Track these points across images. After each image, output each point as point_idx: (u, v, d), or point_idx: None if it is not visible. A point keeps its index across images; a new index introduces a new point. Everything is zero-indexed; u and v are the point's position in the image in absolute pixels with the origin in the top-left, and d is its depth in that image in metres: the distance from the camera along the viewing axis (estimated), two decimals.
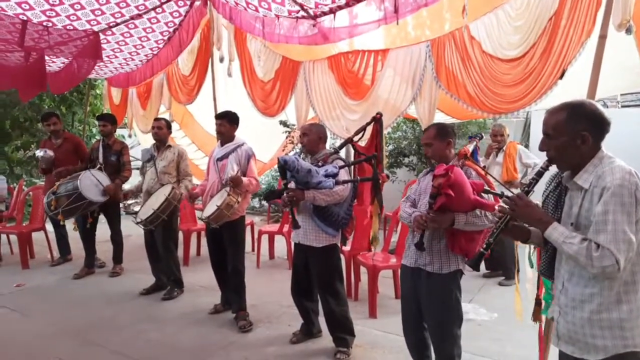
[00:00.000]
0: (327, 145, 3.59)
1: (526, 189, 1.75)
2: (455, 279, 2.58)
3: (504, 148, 5.05)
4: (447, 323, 2.58)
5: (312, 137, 3.37)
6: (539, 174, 1.75)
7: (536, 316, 2.69)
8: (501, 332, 3.65)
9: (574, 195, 1.69)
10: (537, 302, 2.66)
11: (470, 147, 3.67)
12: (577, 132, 1.62)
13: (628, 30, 2.63)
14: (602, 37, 2.58)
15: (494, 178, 3.45)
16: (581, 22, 2.90)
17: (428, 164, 2.70)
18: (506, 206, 1.74)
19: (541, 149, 1.73)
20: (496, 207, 1.82)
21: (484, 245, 1.83)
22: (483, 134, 4.74)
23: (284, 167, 2.98)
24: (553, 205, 1.78)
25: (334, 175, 3.07)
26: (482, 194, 2.42)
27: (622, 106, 7.80)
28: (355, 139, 3.72)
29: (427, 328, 2.69)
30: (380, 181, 3.34)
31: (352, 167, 3.60)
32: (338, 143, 6.04)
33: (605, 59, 2.61)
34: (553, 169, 1.79)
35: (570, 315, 1.66)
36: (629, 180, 1.53)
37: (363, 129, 3.74)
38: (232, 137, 3.99)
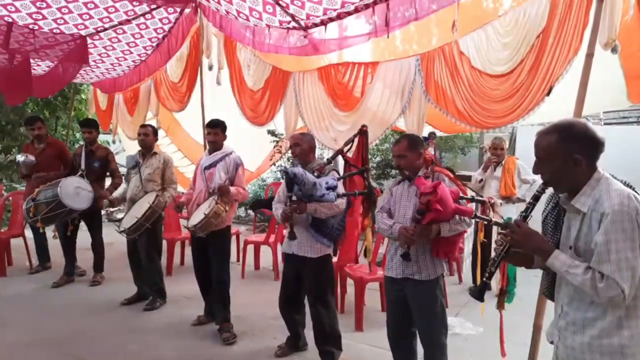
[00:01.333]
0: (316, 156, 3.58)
1: (524, 214, 1.70)
2: (439, 283, 2.70)
3: (503, 162, 5.05)
4: (436, 332, 2.66)
5: (305, 147, 3.35)
6: (536, 198, 1.69)
7: (500, 305, 2.85)
8: (488, 347, 3.63)
9: (572, 217, 1.66)
10: (501, 292, 2.86)
11: (431, 150, 3.72)
12: (570, 155, 1.57)
13: (614, 50, 2.67)
14: (590, 56, 2.62)
15: (467, 185, 3.49)
16: (568, 40, 2.95)
17: (401, 174, 2.76)
18: (505, 235, 1.69)
19: (535, 172, 1.70)
20: (497, 238, 1.80)
21: (486, 275, 1.81)
22: (435, 133, 4.78)
23: (293, 180, 2.95)
24: (552, 226, 1.75)
25: (334, 188, 3.08)
26: (459, 201, 2.57)
27: (605, 124, 7.95)
28: (345, 149, 3.73)
29: (416, 335, 2.75)
30: (375, 195, 3.40)
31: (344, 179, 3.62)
32: (326, 153, 6.06)
33: (590, 77, 2.66)
34: (550, 190, 1.76)
35: (570, 339, 1.63)
36: (628, 205, 1.48)
37: (351, 140, 3.76)
38: (221, 146, 3.95)
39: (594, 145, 1.58)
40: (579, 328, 1.61)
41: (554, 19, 2.99)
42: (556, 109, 3.29)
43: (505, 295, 2.83)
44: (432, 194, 2.40)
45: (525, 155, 7.09)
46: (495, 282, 2.91)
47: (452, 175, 2.75)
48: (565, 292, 1.69)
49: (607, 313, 1.54)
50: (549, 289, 1.83)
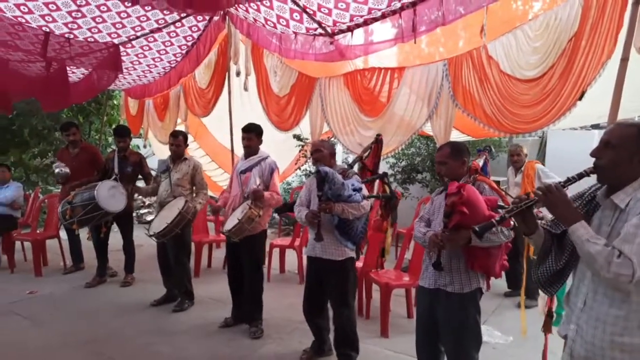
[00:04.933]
0: (339, 160, 3.63)
1: (562, 184, 1.69)
2: (475, 299, 2.53)
3: (522, 168, 4.96)
4: (465, 346, 2.51)
5: (325, 153, 3.37)
6: (580, 176, 1.69)
7: (547, 327, 2.65)
8: (517, 357, 3.57)
9: (606, 215, 1.66)
10: (549, 314, 2.63)
11: (480, 161, 3.66)
12: (638, 151, 1.60)
13: None
14: (624, 60, 2.56)
15: (507, 193, 3.42)
16: (601, 43, 2.89)
17: (441, 182, 2.67)
18: (541, 192, 1.69)
19: (594, 155, 1.69)
20: (532, 192, 1.78)
21: (498, 218, 1.80)
22: (492, 147, 4.71)
23: (324, 179, 2.98)
24: None
25: (359, 190, 3.11)
26: (498, 210, 2.39)
27: None
28: (363, 156, 3.80)
29: (443, 351, 2.64)
30: (396, 198, 3.42)
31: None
32: (351, 158, 6.08)
33: (625, 80, 2.59)
34: (583, 185, 1.74)
35: (591, 334, 1.62)
36: None
37: (369, 147, 3.82)
38: (257, 150, 4.00)
39: None
40: (601, 324, 1.60)
41: (587, 23, 2.93)
42: (589, 113, 3.22)
43: (553, 317, 2.62)
44: (456, 194, 2.28)
45: (555, 160, 6.95)
46: (542, 302, 2.78)
47: (494, 185, 2.62)
48: (590, 287, 1.67)
49: (632, 311, 1.54)
50: (546, 279, 1.80)
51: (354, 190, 3.10)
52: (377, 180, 4.03)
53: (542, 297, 2.86)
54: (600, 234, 1.63)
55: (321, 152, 3.37)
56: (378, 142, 3.90)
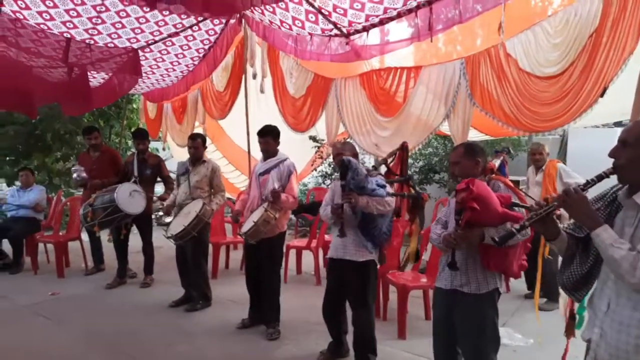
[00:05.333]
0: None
1: (582, 187, 1.66)
2: (492, 300, 2.48)
3: (544, 167, 4.87)
4: (483, 348, 2.46)
5: (347, 155, 3.35)
6: (599, 177, 1.65)
7: (569, 331, 2.58)
8: (538, 359, 3.50)
9: (629, 215, 1.62)
10: (572, 317, 2.57)
11: (497, 162, 3.59)
12: None
13: None
14: None
15: (526, 194, 3.36)
16: (623, 39, 2.83)
17: (456, 183, 2.63)
18: (560, 197, 1.66)
19: (612, 155, 1.66)
20: (550, 196, 1.75)
21: (517, 227, 1.76)
22: (510, 148, 4.63)
23: (347, 167, 2.98)
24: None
25: (384, 187, 3.08)
26: (513, 207, 2.35)
27: None
28: (388, 160, 3.77)
29: (460, 353, 2.59)
30: (423, 199, 3.36)
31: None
32: (367, 158, 6.06)
33: None
34: (604, 186, 1.70)
35: (615, 339, 1.58)
36: None
37: (394, 153, 3.79)
38: (275, 152, 3.99)
39: None
40: (625, 327, 1.56)
41: (608, 18, 2.87)
42: (611, 110, 3.14)
43: (575, 319, 2.55)
44: (465, 190, 2.24)
45: (576, 159, 6.81)
46: (562, 303, 2.71)
47: (510, 184, 2.58)
48: (613, 289, 1.63)
49: None
50: (574, 282, 1.75)
51: (378, 186, 3.08)
52: (402, 184, 3.99)
53: (564, 298, 2.79)
54: (624, 235, 1.59)
55: (342, 155, 3.33)
56: (403, 149, 3.87)
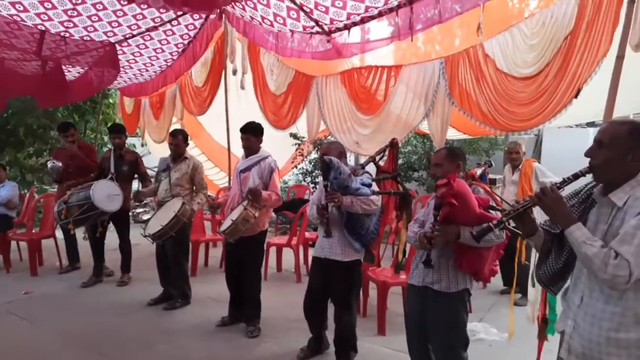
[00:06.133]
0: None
1: (558, 185, 1.70)
2: (463, 299, 2.54)
3: (520, 166, 4.96)
4: (453, 346, 2.52)
5: (334, 155, 3.32)
6: (576, 176, 1.70)
7: (541, 335, 2.66)
8: (513, 354, 3.58)
9: (603, 212, 1.67)
10: (544, 321, 2.65)
11: (479, 171, 3.66)
12: (630, 150, 1.60)
13: None
14: (620, 58, 2.58)
15: (502, 199, 3.43)
16: (597, 41, 2.91)
17: (434, 181, 2.68)
18: (536, 196, 1.70)
19: (588, 155, 1.70)
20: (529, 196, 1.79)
21: (495, 222, 1.79)
22: (492, 162, 4.73)
23: (329, 166, 2.95)
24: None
25: (369, 186, 3.07)
26: (489, 210, 2.41)
27: None
28: (377, 159, 3.77)
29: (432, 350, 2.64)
30: (410, 196, 3.38)
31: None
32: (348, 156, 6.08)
33: (620, 78, 2.61)
34: (578, 184, 1.75)
35: (587, 331, 1.64)
36: None
37: (383, 150, 3.78)
38: (257, 150, 3.94)
39: None
40: (597, 320, 1.62)
41: (583, 21, 2.95)
42: (584, 111, 3.23)
43: (547, 324, 2.62)
44: (446, 185, 2.29)
45: (550, 158, 6.98)
46: (530, 308, 2.78)
47: (489, 190, 2.65)
48: (587, 284, 1.68)
49: (628, 308, 1.56)
50: (551, 278, 1.81)
51: (363, 184, 3.07)
52: (390, 180, 3.99)
53: (531, 304, 2.88)
54: (597, 231, 1.64)
55: (329, 155, 3.30)
56: (393, 145, 3.86)
